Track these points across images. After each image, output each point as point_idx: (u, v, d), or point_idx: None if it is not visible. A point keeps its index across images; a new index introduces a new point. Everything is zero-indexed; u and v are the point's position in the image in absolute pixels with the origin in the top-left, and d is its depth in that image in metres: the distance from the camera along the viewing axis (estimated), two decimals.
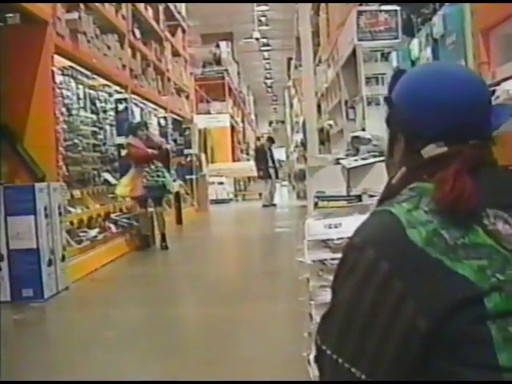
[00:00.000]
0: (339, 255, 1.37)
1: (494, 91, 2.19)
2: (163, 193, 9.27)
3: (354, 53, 6.71)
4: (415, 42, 4.50)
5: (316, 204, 2.49)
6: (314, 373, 2.48)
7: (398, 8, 5.64)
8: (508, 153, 2.24)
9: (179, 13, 16.36)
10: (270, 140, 19.18)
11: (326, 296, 2.43)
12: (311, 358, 2.33)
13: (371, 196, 2.50)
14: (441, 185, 1.15)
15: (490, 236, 1.14)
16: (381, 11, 5.68)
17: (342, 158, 2.83)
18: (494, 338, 1.09)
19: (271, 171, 17.70)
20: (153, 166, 8.87)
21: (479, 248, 1.12)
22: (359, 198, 2.57)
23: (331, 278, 2.37)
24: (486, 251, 1.12)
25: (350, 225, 2.31)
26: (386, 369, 1.12)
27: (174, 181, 13.23)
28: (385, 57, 6.04)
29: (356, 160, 2.68)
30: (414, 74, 1.30)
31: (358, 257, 1.16)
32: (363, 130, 4.99)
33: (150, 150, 8.86)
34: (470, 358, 1.09)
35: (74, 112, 8.50)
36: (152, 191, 8.86)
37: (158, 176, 8.87)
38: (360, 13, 5.77)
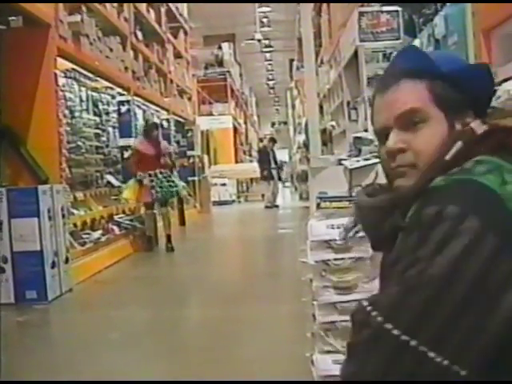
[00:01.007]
0: (342, 255, 1.37)
1: (495, 91, 2.20)
2: (173, 197, 9.39)
3: (355, 54, 6.71)
4: (417, 42, 4.50)
5: (318, 205, 2.50)
6: (317, 373, 2.49)
7: (399, 9, 5.65)
8: None
9: (181, 15, 16.38)
10: (273, 141, 19.18)
11: (329, 296, 2.44)
12: (314, 358, 2.34)
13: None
14: None
15: None
16: (382, 12, 5.68)
17: (344, 159, 2.84)
18: None
19: (274, 172, 17.71)
20: (160, 175, 8.79)
21: None
22: None
23: (334, 278, 2.38)
24: None
25: None
26: (478, 355, 1.03)
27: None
28: (387, 57, 6.05)
29: (358, 161, 2.69)
30: (461, 58, 1.38)
31: (456, 226, 1.05)
32: (365, 130, 4.99)
33: (161, 160, 8.82)
34: None
35: (76, 114, 8.52)
36: (163, 198, 8.93)
37: (171, 186, 8.87)
38: (362, 14, 5.78)
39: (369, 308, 1.09)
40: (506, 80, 2.21)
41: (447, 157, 1.18)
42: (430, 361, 1.02)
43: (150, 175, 8.70)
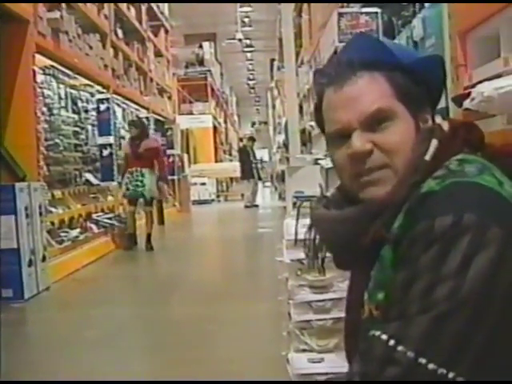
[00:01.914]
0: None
1: (469, 93, 2.22)
2: (138, 197, 8.95)
3: (335, 54, 6.74)
4: None
5: (295, 204, 2.51)
6: (292, 372, 2.50)
7: (378, 10, 5.67)
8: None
9: (162, 13, 16.34)
10: (252, 140, 19.21)
11: (305, 295, 2.45)
12: (290, 356, 2.35)
13: None
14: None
15: None
16: (361, 13, 5.70)
17: (321, 159, 2.85)
18: None
19: (254, 171, 17.73)
20: (137, 173, 8.68)
21: None
22: None
23: (310, 277, 2.39)
24: None
25: None
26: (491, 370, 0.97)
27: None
28: None
29: None
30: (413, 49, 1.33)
31: (479, 236, 0.96)
32: None
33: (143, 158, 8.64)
34: None
35: (55, 112, 8.47)
36: (130, 196, 8.85)
37: (137, 186, 8.67)
38: (341, 15, 5.78)
39: (392, 342, 0.97)
40: (480, 82, 2.23)
41: (427, 157, 1.10)
42: (443, 377, 0.94)
43: (130, 173, 8.69)
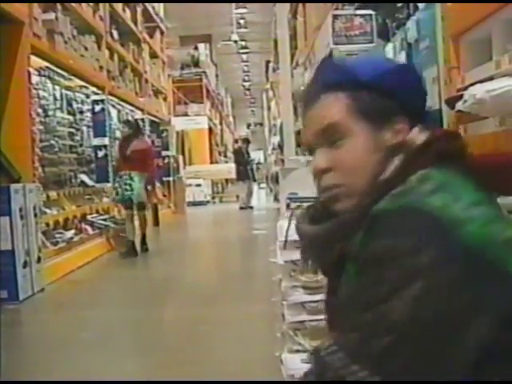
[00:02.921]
0: None
1: (462, 95, 2.24)
2: (125, 202, 8.57)
3: (330, 56, 6.75)
4: (390, 46, 4.55)
5: (288, 205, 2.52)
6: (286, 372, 2.51)
7: (373, 12, 5.69)
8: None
9: (157, 14, 16.34)
10: (246, 141, 19.25)
11: (298, 296, 2.46)
12: (283, 357, 2.36)
13: None
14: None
15: None
16: (356, 15, 5.72)
17: None
18: None
19: (249, 172, 17.78)
20: (126, 176, 8.35)
21: None
22: None
23: (303, 278, 2.40)
24: None
25: None
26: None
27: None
28: None
29: None
30: (384, 60, 1.33)
31: (411, 264, 0.99)
32: None
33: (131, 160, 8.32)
34: None
35: (50, 113, 8.46)
36: (119, 200, 8.69)
37: (126, 190, 8.34)
38: (335, 17, 5.80)
39: (332, 349, 1.05)
40: (472, 84, 2.25)
41: (385, 175, 1.12)
42: None
43: (120, 176, 8.45)
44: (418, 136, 1.15)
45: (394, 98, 1.16)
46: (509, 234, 1.02)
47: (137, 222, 8.85)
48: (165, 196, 15.17)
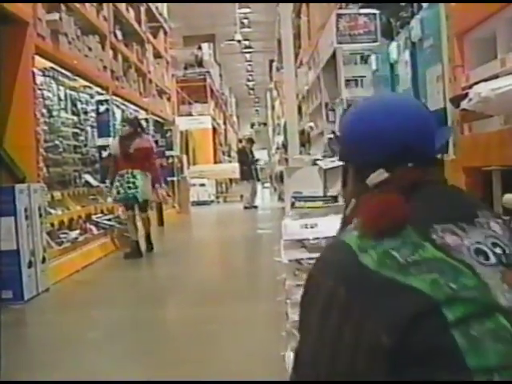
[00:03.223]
0: (315, 255, 1.41)
1: (467, 94, 2.24)
2: (129, 200, 8.39)
3: (334, 55, 6.75)
4: (394, 45, 4.54)
5: (293, 204, 2.52)
6: (289, 371, 2.51)
7: (377, 11, 5.70)
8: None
9: (161, 14, 16.34)
10: (251, 141, 19.25)
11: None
12: (287, 355, 2.36)
13: None
14: (358, 215, 1.26)
15: (440, 250, 1.19)
16: (360, 14, 5.73)
17: (319, 159, 2.87)
18: (459, 344, 1.12)
19: (253, 172, 17.79)
20: (128, 175, 8.17)
21: (430, 262, 1.17)
22: (335, 198, 2.62)
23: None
24: (436, 265, 1.17)
25: (325, 225, 2.35)
26: None
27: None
28: (364, 60, 6.09)
29: (333, 161, 2.72)
30: (354, 110, 1.40)
31: (317, 288, 1.20)
32: None
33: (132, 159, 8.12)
34: (439, 368, 1.12)
35: (54, 113, 8.48)
36: (122, 200, 8.45)
37: (129, 188, 8.15)
38: (339, 16, 5.82)
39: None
40: (477, 83, 2.24)
41: (346, 212, 1.38)
42: None
43: (121, 176, 8.21)
44: (376, 178, 1.30)
45: (344, 154, 1.39)
46: (415, 257, 1.17)
47: (139, 223, 8.70)
48: (169, 196, 15.17)
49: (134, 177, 8.21)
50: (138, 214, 8.66)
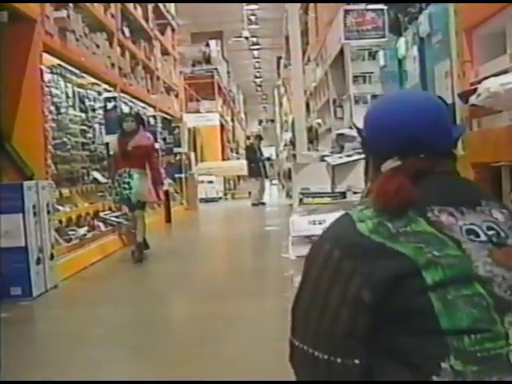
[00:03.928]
0: None
1: (475, 89, 2.22)
2: (123, 202, 8.09)
3: (341, 51, 6.74)
4: (402, 40, 4.53)
5: (301, 200, 2.51)
6: None
7: (384, 7, 5.68)
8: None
9: (168, 11, 16.34)
10: (259, 138, 19.25)
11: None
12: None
13: (355, 193, 2.53)
14: (371, 191, 1.39)
15: (432, 225, 1.30)
16: (368, 10, 5.71)
17: (327, 155, 2.86)
18: (435, 306, 1.23)
19: (261, 169, 17.78)
20: (125, 174, 7.76)
21: (419, 234, 1.29)
22: (343, 194, 2.61)
23: None
24: (425, 237, 1.29)
25: None
26: (342, 344, 1.27)
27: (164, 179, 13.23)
28: (372, 55, 6.07)
29: (341, 157, 2.71)
30: (374, 106, 1.55)
31: (316, 251, 1.35)
32: (350, 128, 5.02)
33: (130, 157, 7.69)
34: (416, 326, 1.24)
35: (62, 110, 8.49)
36: (119, 201, 8.16)
37: (124, 189, 7.74)
38: (347, 12, 5.80)
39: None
40: (486, 78, 2.23)
41: (363, 194, 1.54)
42: (317, 358, 1.29)
43: (119, 175, 7.80)
44: (389, 165, 1.41)
45: (364, 145, 1.53)
46: (406, 229, 1.29)
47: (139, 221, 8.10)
48: (177, 192, 15.16)
49: (130, 176, 7.77)
50: (131, 213, 8.17)
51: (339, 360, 1.27)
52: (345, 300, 1.27)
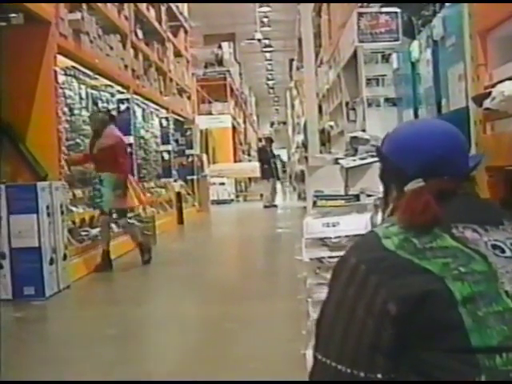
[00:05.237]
0: (336, 253, 1.45)
1: (490, 93, 2.22)
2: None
3: (354, 54, 6.73)
4: (415, 43, 4.52)
5: (315, 203, 2.52)
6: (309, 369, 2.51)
7: (398, 10, 5.67)
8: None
9: (181, 13, 16.39)
10: (270, 140, 19.29)
11: (323, 294, 2.46)
12: (307, 353, 2.36)
13: (369, 196, 2.54)
14: (397, 209, 1.41)
15: (457, 240, 1.31)
16: (381, 13, 5.70)
17: (341, 158, 2.87)
18: (465, 321, 1.21)
19: (273, 171, 17.80)
20: (97, 180, 7.42)
21: (445, 250, 1.29)
22: (357, 197, 2.61)
23: (328, 275, 2.40)
24: (451, 252, 1.29)
25: (347, 224, 2.35)
26: (366, 358, 1.26)
27: (175, 181, 13.28)
28: (385, 58, 6.06)
29: (354, 160, 2.72)
30: (398, 129, 1.60)
31: (342, 266, 1.36)
32: (363, 130, 5.02)
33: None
34: (444, 342, 1.22)
35: (76, 112, 8.52)
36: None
37: (96, 196, 7.50)
38: (361, 14, 5.79)
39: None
40: (500, 81, 2.23)
41: (385, 216, 1.54)
42: (340, 372, 1.26)
43: (95, 182, 7.52)
44: (412, 186, 1.44)
45: (387, 169, 1.54)
46: (432, 244, 1.30)
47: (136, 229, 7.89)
48: (189, 194, 15.18)
49: (100, 182, 7.32)
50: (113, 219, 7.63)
51: (362, 374, 1.25)
52: (370, 313, 1.27)
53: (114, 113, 9.04)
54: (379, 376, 1.25)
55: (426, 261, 1.27)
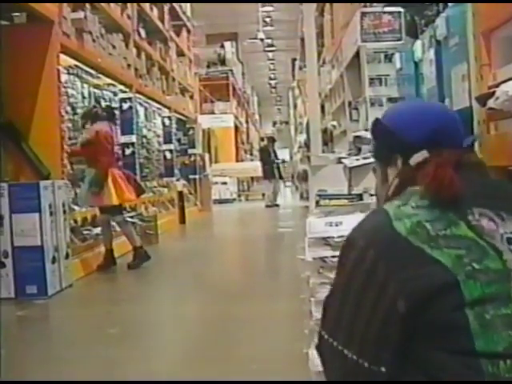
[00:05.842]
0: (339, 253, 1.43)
1: (493, 92, 2.22)
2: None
3: (357, 54, 6.73)
4: (418, 43, 4.51)
5: (318, 202, 2.52)
6: (313, 369, 2.51)
7: (401, 10, 5.67)
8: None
9: (184, 13, 16.39)
10: (272, 140, 19.28)
11: (326, 293, 2.45)
12: (310, 353, 2.36)
13: (372, 195, 2.54)
14: (424, 177, 1.33)
15: (473, 230, 1.26)
16: (384, 13, 5.71)
17: (344, 158, 2.87)
18: (471, 324, 1.18)
19: (275, 170, 17.80)
20: (82, 176, 7.34)
21: (460, 239, 1.24)
22: (360, 196, 2.62)
23: (331, 275, 2.40)
24: (465, 242, 1.24)
25: (350, 223, 2.34)
26: (372, 350, 1.25)
27: (178, 180, 13.29)
28: (388, 58, 6.06)
29: (358, 159, 2.72)
30: (399, 104, 1.68)
31: (350, 248, 1.31)
32: (366, 130, 5.02)
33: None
34: (448, 344, 1.19)
35: (78, 111, 8.53)
36: None
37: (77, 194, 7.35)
38: (364, 14, 5.80)
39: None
40: (504, 81, 2.23)
41: (389, 193, 1.47)
42: (347, 357, 1.26)
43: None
44: (418, 158, 1.43)
45: (383, 143, 1.53)
46: (446, 232, 1.25)
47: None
48: (191, 194, 15.18)
49: (82, 179, 7.23)
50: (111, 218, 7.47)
51: (366, 364, 1.24)
52: (378, 308, 1.23)
53: (115, 110, 9.08)
54: (383, 369, 1.24)
55: (438, 251, 1.22)
